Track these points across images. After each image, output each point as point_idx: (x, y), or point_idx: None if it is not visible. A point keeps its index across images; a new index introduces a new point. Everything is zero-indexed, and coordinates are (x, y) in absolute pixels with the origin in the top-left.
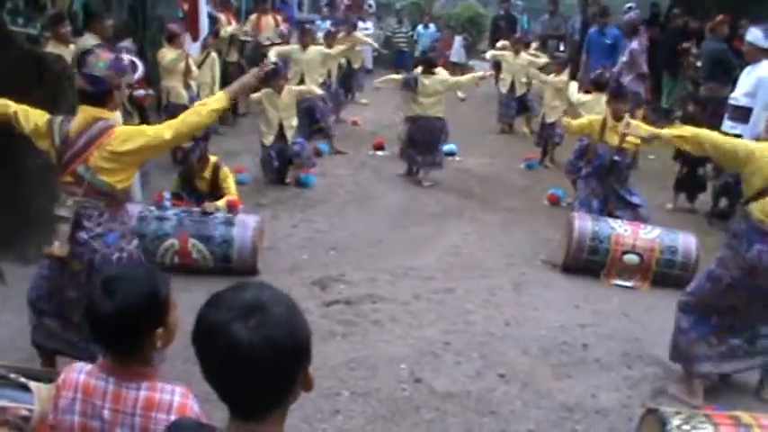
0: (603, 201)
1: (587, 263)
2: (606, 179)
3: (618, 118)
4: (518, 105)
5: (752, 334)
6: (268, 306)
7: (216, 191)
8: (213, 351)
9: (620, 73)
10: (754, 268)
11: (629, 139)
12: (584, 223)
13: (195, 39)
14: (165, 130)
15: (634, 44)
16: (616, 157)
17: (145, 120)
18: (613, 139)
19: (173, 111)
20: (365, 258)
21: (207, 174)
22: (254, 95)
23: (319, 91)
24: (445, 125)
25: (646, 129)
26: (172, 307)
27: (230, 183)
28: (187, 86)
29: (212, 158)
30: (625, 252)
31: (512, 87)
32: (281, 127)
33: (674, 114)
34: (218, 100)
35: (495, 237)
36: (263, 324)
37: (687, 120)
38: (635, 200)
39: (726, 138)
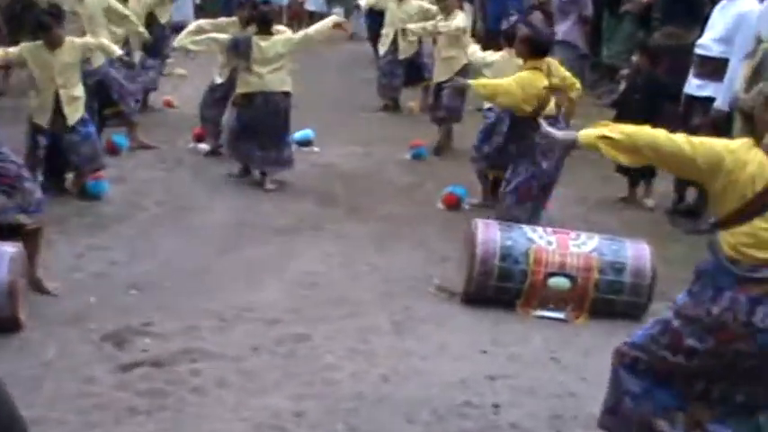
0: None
1: (497, 290)
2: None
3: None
4: (406, 72)
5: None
6: None
7: None
8: None
9: (543, 15)
10: (724, 327)
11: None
12: (490, 235)
13: None
14: None
15: None
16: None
17: None
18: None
19: None
20: (181, 298)
21: None
22: (12, 50)
23: (117, 50)
24: (289, 105)
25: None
26: None
27: None
28: None
29: None
30: (550, 274)
31: (395, 47)
32: (56, 100)
33: (619, 74)
34: None
35: (369, 257)
36: None
37: (636, 80)
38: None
39: (678, 138)
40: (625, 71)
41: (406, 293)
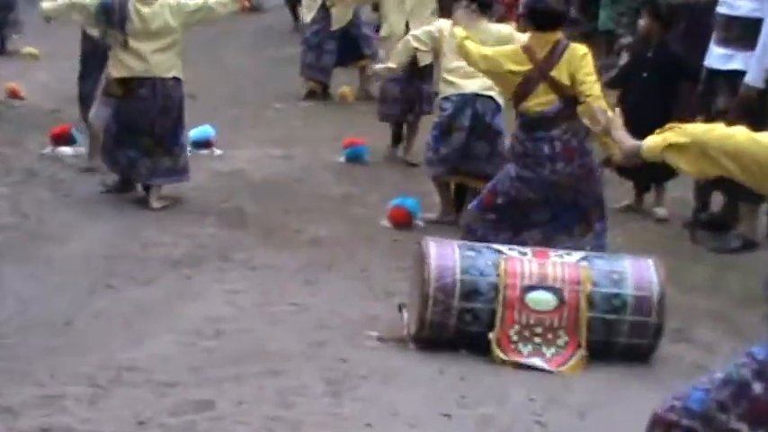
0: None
1: (461, 325)
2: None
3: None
4: (340, 46)
5: None
6: None
7: None
8: None
9: None
10: None
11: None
12: (445, 250)
13: None
14: None
15: None
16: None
17: None
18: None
19: None
20: (36, 358)
21: None
22: None
23: None
24: (182, 95)
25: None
26: None
27: None
28: None
29: None
30: (529, 288)
31: (326, 13)
32: None
33: (619, 42)
34: None
35: (292, 295)
36: None
37: (642, 51)
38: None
39: (764, 138)
40: (627, 40)
41: (343, 341)
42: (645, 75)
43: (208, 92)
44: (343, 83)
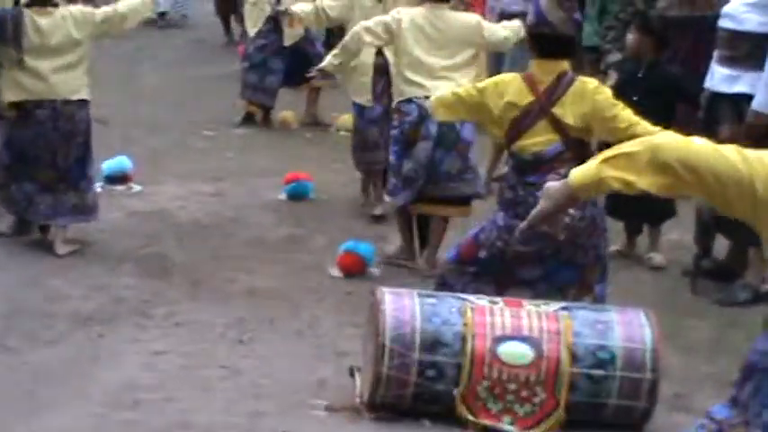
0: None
1: (422, 382)
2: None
3: None
4: (288, 65)
5: None
6: None
7: None
8: None
9: None
10: None
11: None
12: (403, 301)
13: None
14: None
15: None
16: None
17: None
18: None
19: None
20: None
21: None
22: None
23: None
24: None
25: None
26: None
27: None
28: None
29: None
30: (501, 339)
31: (273, 26)
32: None
33: (606, 60)
34: None
35: (224, 357)
36: None
37: (632, 70)
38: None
39: (727, 149)
40: (615, 57)
41: (284, 412)
42: (635, 98)
43: (123, 117)
44: (286, 106)
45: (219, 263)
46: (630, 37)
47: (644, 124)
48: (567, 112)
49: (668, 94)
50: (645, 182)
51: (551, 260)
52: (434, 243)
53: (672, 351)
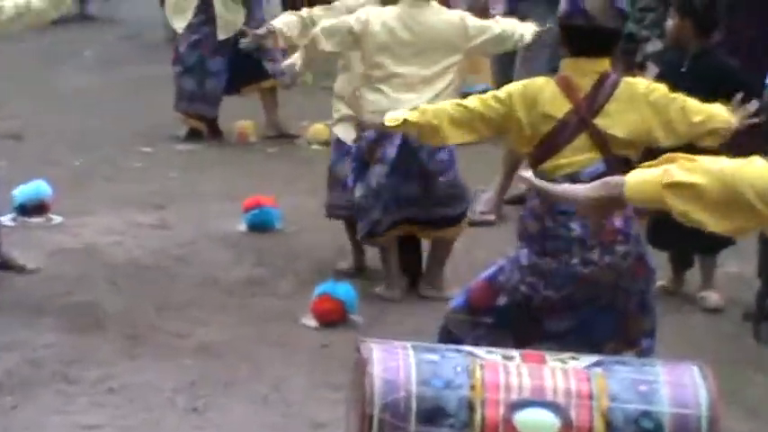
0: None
1: None
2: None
3: None
4: (231, 65)
5: None
6: None
7: None
8: None
9: None
10: None
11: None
12: (394, 354)
13: None
14: None
15: None
16: None
17: None
18: None
19: None
20: None
21: None
22: None
23: None
24: None
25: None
26: None
27: None
28: None
29: None
30: (518, 405)
31: (206, 16)
32: None
33: (644, 51)
34: None
35: (171, 428)
36: None
37: (675, 62)
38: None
39: None
40: (654, 46)
41: None
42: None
43: (40, 131)
44: (240, 115)
45: (164, 313)
46: (669, 22)
47: (722, 114)
48: (614, 122)
49: (720, 92)
50: (715, 225)
51: (586, 307)
52: (438, 263)
53: (733, 414)
